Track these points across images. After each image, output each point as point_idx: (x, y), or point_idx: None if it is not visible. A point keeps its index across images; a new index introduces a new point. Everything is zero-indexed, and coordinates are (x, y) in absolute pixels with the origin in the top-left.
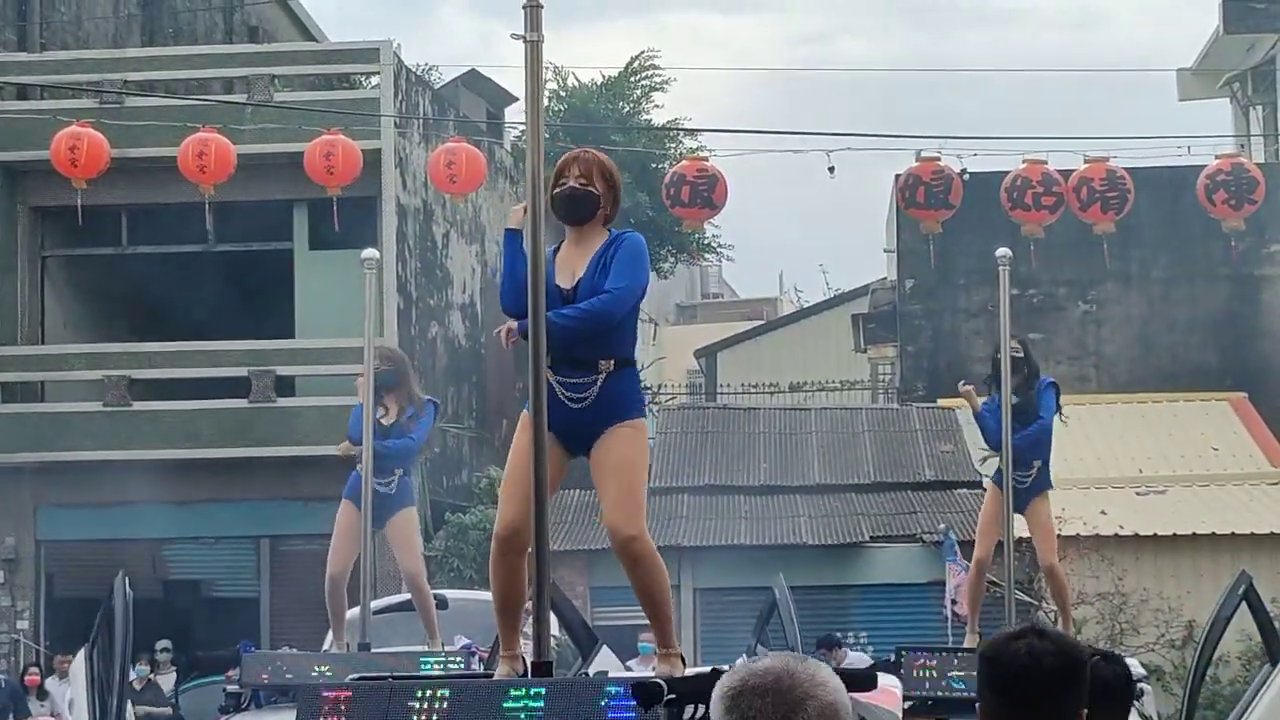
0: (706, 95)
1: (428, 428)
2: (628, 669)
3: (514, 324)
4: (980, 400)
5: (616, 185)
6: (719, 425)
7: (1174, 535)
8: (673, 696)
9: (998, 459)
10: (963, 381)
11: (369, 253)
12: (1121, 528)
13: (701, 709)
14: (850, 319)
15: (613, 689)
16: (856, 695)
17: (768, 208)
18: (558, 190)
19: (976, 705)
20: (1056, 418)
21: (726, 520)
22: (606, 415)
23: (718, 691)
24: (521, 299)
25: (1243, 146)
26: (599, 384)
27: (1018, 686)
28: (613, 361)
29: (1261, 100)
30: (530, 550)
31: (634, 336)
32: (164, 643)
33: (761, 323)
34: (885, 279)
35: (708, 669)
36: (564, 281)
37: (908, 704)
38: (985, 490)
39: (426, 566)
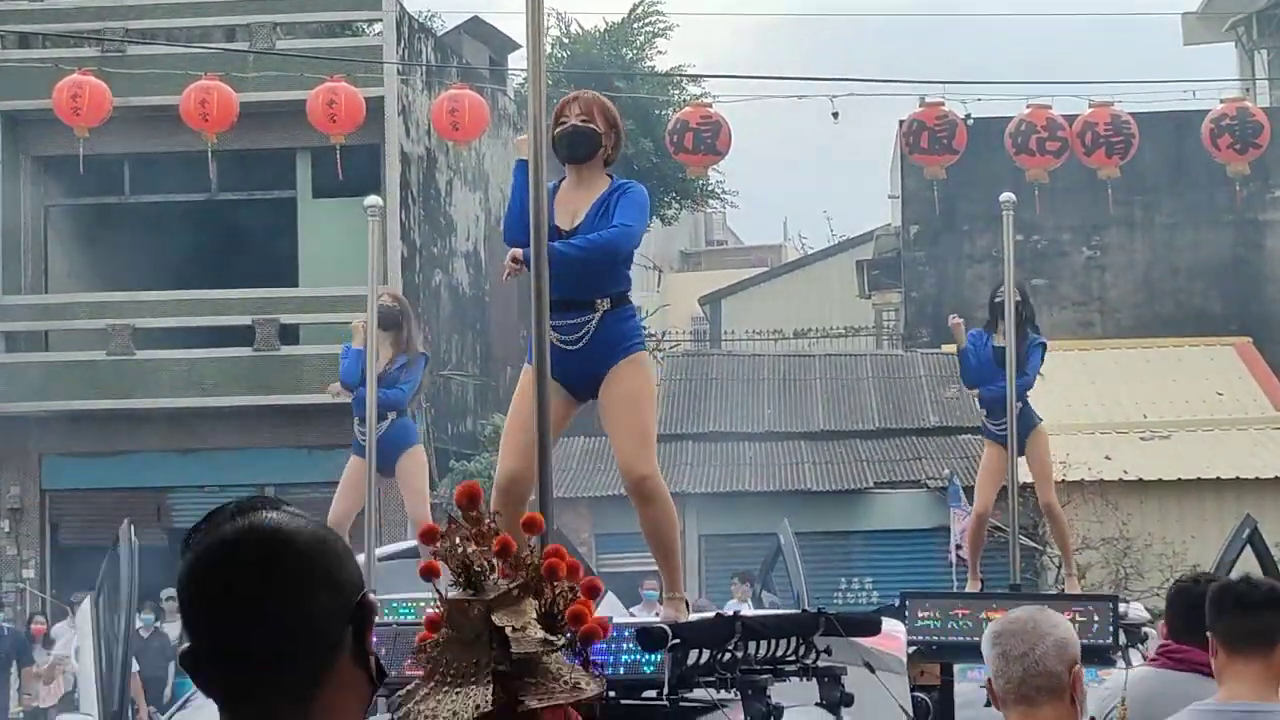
0: (710, 41)
1: (416, 381)
2: (631, 615)
3: (519, 252)
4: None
5: (618, 125)
6: (723, 372)
7: (1178, 480)
8: (677, 641)
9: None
10: (953, 316)
11: (372, 200)
12: (1126, 472)
13: (705, 653)
14: (854, 265)
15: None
16: (860, 640)
17: (773, 154)
18: (559, 129)
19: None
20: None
21: (731, 467)
22: (605, 354)
23: (987, 632)
24: (526, 231)
25: (1247, 90)
26: (595, 322)
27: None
28: (609, 299)
29: (1267, 44)
30: (534, 499)
31: (627, 276)
32: (169, 591)
33: (766, 270)
34: (889, 225)
35: (712, 614)
36: (564, 223)
37: (912, 649)
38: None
39: (432, 515)
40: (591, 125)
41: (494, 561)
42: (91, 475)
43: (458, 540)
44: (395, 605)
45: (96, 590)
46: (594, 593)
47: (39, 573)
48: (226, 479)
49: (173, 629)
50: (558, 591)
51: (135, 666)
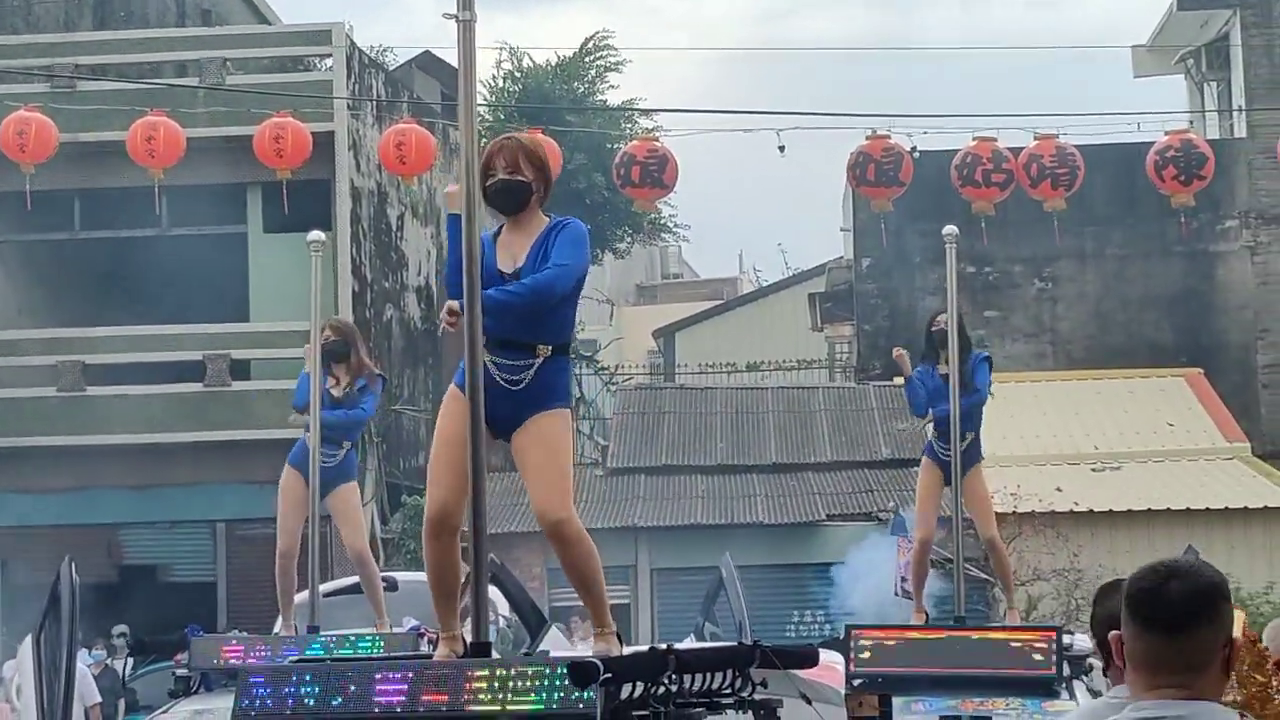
0: (664, 75)
1: (375, 400)
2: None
3: (454, 304)
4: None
5: (544, 166)
6: (676, 405)
7: (1129, 511)
8: (609, 675)
9: (932, 430)
10: (896, 348)
11: (314, 235)
12: (1076, 504)
13: (640, 687)
14: (807, 298)
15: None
16: (798, 672)
17: (729, 188)
18: (489, 184)
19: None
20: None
21: (683, 500)
22: (536, 401)
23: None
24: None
25: (1192, 123)
26: (535, 368)
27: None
28: (550, 348)
29: (1215, 76)
30: (464, 530)
31: (572, 324)
32: (120, 628)
33: (719, 303)
34: (841, 258)
35: (645, 648)
36: (505, 266)
37: (857, 681)
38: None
39: (384, 549)
40: (519, 177)
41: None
42: (42, 512)
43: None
44: (346, 642)
45: (38, 628)
46: None
47: None
48: (178, 514)
49: (122, 665)
50: None
51: (97, 699)
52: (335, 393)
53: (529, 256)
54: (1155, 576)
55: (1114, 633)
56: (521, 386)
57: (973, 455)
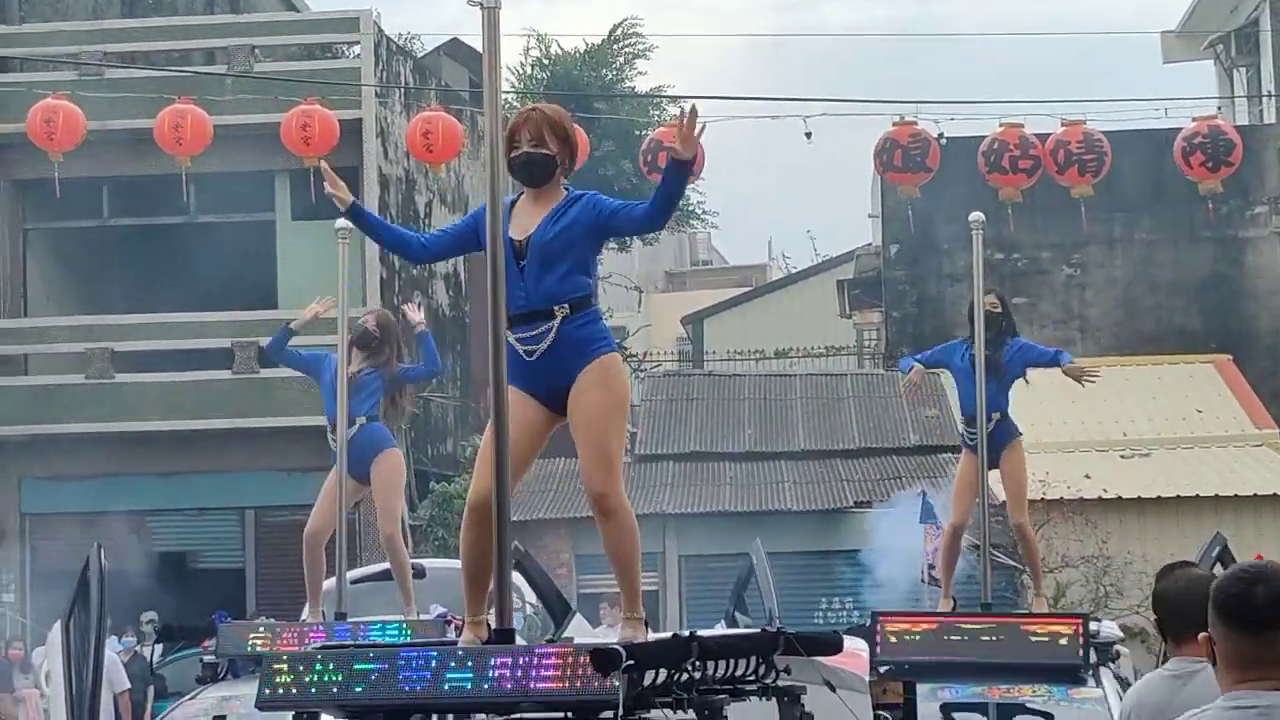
0: (691, 62)
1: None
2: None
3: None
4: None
5: (569, 138)
6: (704, 392)
7: (1158, 498)
8: (632, 662)
9: (960, 420)
10: (908, 381)
11: (342, 222)
12: (1105, 491)
13: (663, 674)
14: (835, 285)
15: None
16: (821, 658)
17: (759, 174)
18: (513, 155)
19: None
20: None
21: (711, 487)
22: (568, 363)
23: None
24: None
25: (1220, 109)
26: (553, 330)
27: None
28: (568, 305)
29: (1245, 62)
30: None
31: (589, 282)
32: (149, 614)
33: (747, 290)
34: (870, 244)
35: (669, 634)
36: (516, 234)
37: (884, 669)
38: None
39: (412, 536)
40: (544, 150)
41: None
42: (72, 499)
43: None
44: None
45: (67, 614)
46: None
47: (19, 597)
48: (206, 502)
49: (150, 652)
50: None
51: (126, 686)
52: (349, 369)
53: (542, 222)
54: (1242, 583)
55: (1203, 634)
56: (542, 350)
57: (1008, 431)
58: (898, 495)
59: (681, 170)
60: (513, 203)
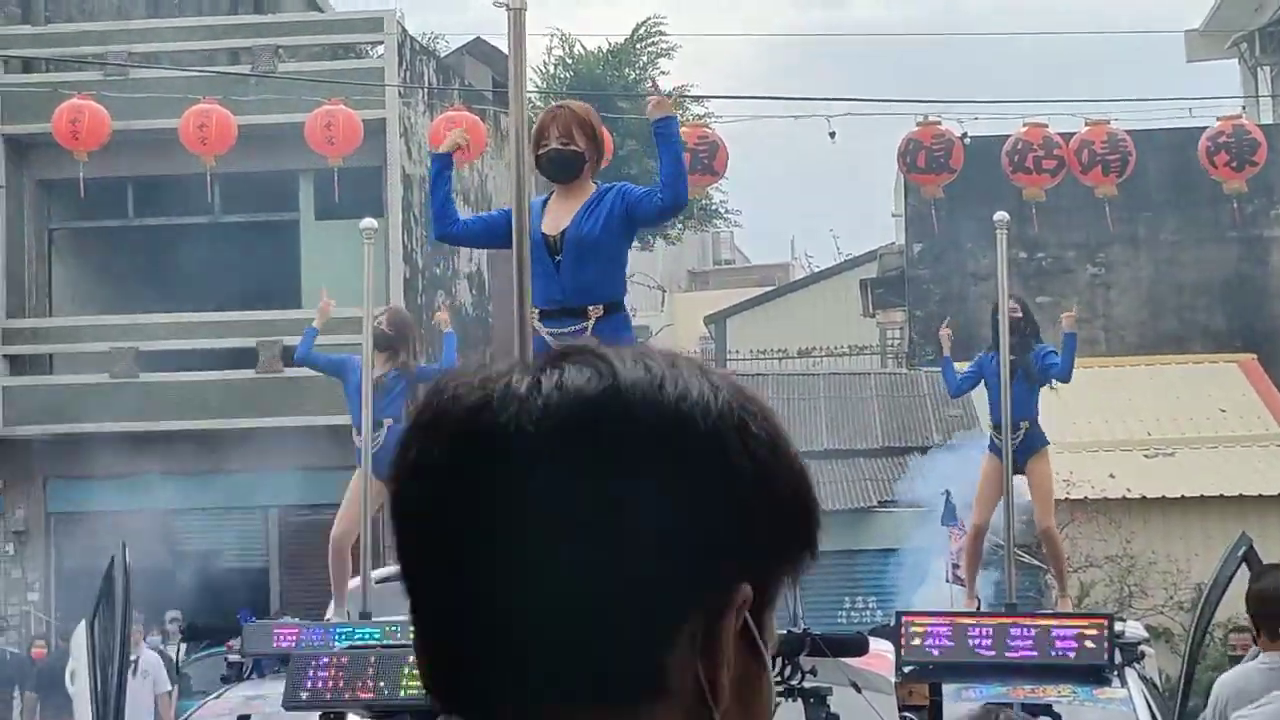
0: (715, 62)
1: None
2: None
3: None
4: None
5: (596, 135)
6: None
7: (1182, 497)
8: None
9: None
10: (944, 326)
11: (368, 222)
12: (1129, 490)
13: None
14: (859, 284)
15: None
16: (847, 660)
17: (783, 174)
18: (541, 153)
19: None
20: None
21: None
22: None
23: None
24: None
25: (1245, 108)
26: (587, 330)
27: None
28: (602, 307)
29: (1269, 60)
30: None
31: (622, 283)
32: (173, 613)
33: (770, 289)
34: (893, 244)
35: None
36: (549, 229)
37: (908, 669)
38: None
39: None
40: (572, 146)
41: None
42: (96, 498)
43: None
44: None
45: (92, 613)
46: None
47: (43, 596)
48: (231, 501)
49: (174, 651)
50: None
51: (168, 687)
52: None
53: (575, 217)
54: None
55: None
56: None
57: (1036, 440)
58: (921, 495)
59: (662, 138)
60: (544, 201)
